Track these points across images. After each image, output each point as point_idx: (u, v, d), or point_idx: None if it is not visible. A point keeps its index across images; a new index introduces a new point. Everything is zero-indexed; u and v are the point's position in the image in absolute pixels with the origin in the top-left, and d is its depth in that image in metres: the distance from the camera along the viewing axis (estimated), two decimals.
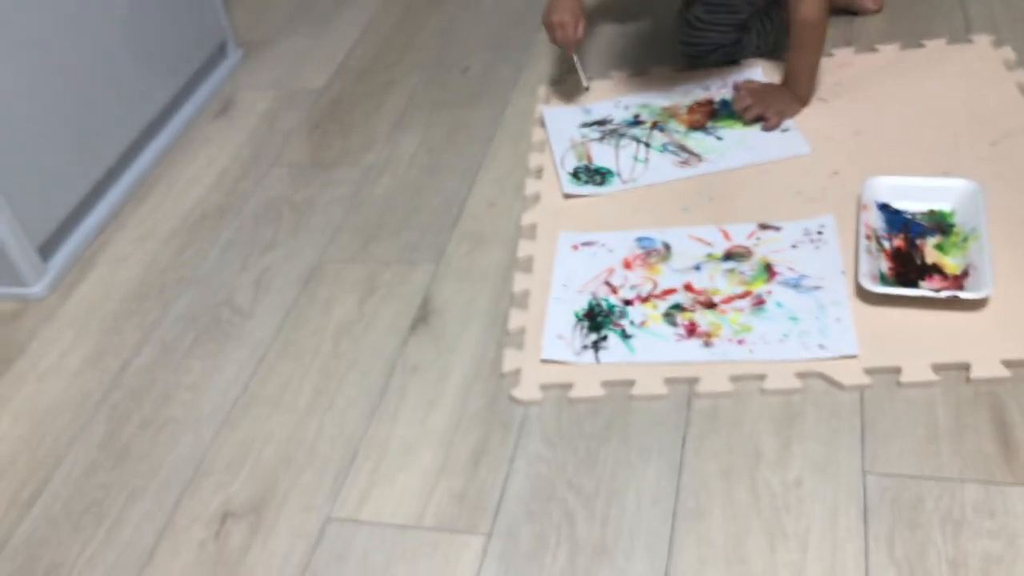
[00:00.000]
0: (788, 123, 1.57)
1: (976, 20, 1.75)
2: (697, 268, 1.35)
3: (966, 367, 1.14)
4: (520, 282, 1.40)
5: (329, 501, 1.17)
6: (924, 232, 1.31)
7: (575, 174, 1.57)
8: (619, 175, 1.55)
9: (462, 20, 2.14)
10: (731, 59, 1.72)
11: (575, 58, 1.74)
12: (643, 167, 1.56)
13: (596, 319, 1.30)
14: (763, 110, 1.58)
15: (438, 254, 1.50)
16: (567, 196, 1.53)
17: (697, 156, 1.55)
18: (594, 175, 1.56)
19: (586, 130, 1.67)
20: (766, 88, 1.63)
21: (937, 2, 1.82)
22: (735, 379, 1.19)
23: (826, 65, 1.69)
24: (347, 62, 2.08)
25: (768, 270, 1.31)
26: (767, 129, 1.57)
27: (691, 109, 1.65)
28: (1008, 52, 1.63)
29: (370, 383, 1.31)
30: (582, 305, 1.33)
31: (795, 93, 1.60)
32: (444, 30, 2.11)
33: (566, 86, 1.80)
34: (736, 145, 1.55)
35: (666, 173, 1.53)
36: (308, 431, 1.26)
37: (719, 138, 1.58)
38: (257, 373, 1.35)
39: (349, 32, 2.19)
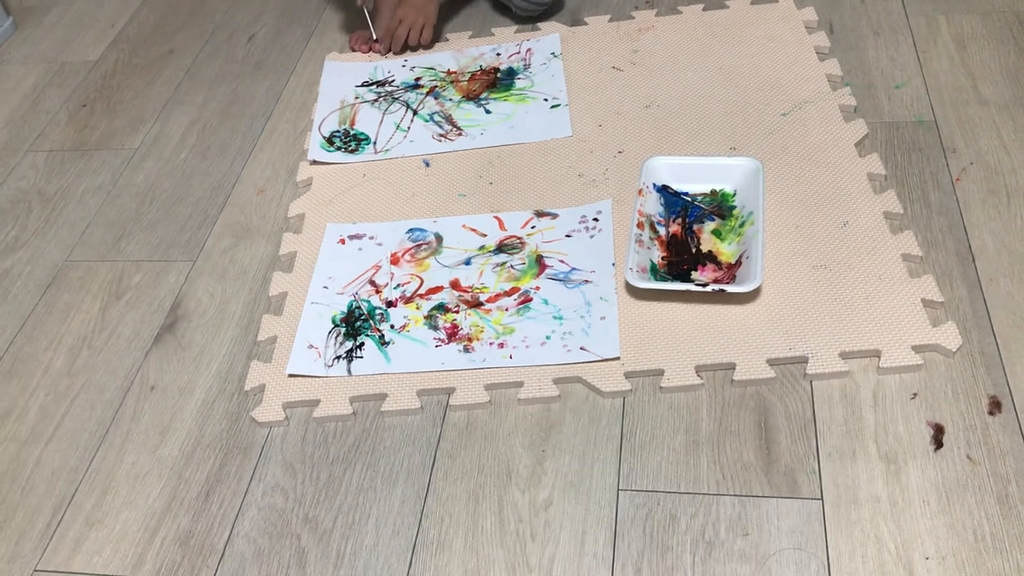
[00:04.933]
0: (560, 99, 1.47)
1: None
2: (467, 263, 1.24)
3: (731, 367, 1.07)
4: (278, 283, 1.27)
5: (39, 548, 1.04)
6: (703, 216, 1.23)
7: (330, 139, 1.47)
8: (374, 144, 1.45)
9: None
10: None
11: (366, 11, 1.61)
12: (401, 137, 1.46)
13: (354, 324, 1.19)
14: (404, 33, 1.59)
15: (196, 250, 1.36)
16: (313, 162, 1.44)
17: (459, 130, 1.45)
18: (350, 141, 1.46)
19: (362, 90, 1.56)
20: (400, 7, 1.60)
21: None
22: (491, 388, 1.10)
23: (625, 29, 1.59)
24: (127, 30, 1.89)
25: (539, 262, 1.22)
26: (425, 43, 1.60)
27: (474, 76, 1.54)
28: (810, 12, 1.55)
29: (103, 405, 1.18)
30: (341, 308, 1.21)
31: None
32: None
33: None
34: (500, 122, 1.45)
35: (421, 146, 1.43)
36: (26, 463, 1.12)
37: (488, 111, 1.47)
38: None
39: None
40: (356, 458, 1.07)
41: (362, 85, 1.57)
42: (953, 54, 1.43)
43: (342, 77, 1.60)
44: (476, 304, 1.18)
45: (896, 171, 1.26)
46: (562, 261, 1.21)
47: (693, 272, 1.16)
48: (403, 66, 1.60)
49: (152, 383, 1.19)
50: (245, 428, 1.12)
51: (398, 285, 1.23)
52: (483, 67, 1.55)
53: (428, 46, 1.62)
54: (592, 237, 1.23)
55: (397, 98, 1.53)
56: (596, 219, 1.26)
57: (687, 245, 1.19)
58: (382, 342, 1.16)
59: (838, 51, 1.47)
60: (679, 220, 1.22)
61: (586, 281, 1.18)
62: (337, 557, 0.98)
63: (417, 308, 1.19)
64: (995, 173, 1.23)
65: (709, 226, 1.21)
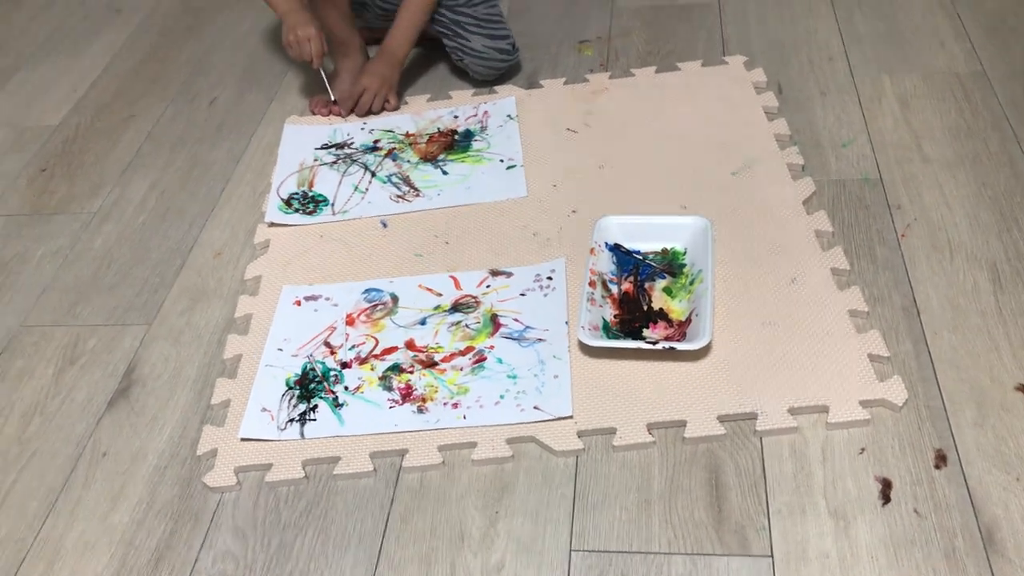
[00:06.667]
0: (516, 160, 1.49)
1: (732, 40, 1.71)
2: (423, 323, 1.25)
3: (682, 424, 1.07)
4: (233, 345, 1.27)
5: None
6: (654, 274, 1.24)
7: (288, 201, 1.48)
8: (332, 205, 1.46)
9: (220, 47, 1.99)
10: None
11: (322, 73, 1.63)
12: (359, 198, 1.47)
13: (308, 386, 1.19)
14: (369, 101, 1.62)
15: (152, 314, 1.36)
16: (271, 225, 1.45)
17: (416, 191, 1.46)
18: (308, 203, 1.47)
19: (321, 152, 1.57)
20: (362, 75, 1.64)
21: (697, 21, 1.78)
22: (445, 448, 1.09)
23: (579, 92, 1.62)
24: (89, 95, 1.90)
25: (494, 321, 1.23)
26: (391, 109, 1.64)
27: (431, 138, 1.56)
28: (759, 74, 1.60)
29: (54, 472, 1.16)
30: (295, 371, 1.21)
31: (395, 57, 1.62)
32: (198, 58, 1.96)
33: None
34: (457, 183, 1.47)
35: (379, 207, 1.45)
36: None
37: (445, 172, 1.49)
38: None
39: (98, 60, 2.01)
40: (308, 523, 1.06)
41: (321, 147, 1.59)
42: (897, 113, 1.47)
43: (301, 139, 1.61)
44: (431, 364, 1.19)
45: (843, 228, 1.29)
46: (516, 320, 1.22)
47: (645, 330, 1.17)
48: (362, 129, 1.62)
49: (104, 449, 1.18)
50: (197, 494, 1.11)
51: (353, 346, 1.23)
52: (440, 129, 1.58)
53: (395, 110, 1.64)
54: (546, 296, 1.25)
55: (356, 160, 1.55)
56: (550, 278, 1.27)
57: (639, 303, 1.21)
58: (336, 404, 1.16)
59: (786, 111, 1.51)
60: (631, 278, 1.24)
61: (540, 339, 1.19)
62: None
63: (372, 369, 1.20)
64: (938, 229, 1.26)
65: (660, 284, 1.23)
